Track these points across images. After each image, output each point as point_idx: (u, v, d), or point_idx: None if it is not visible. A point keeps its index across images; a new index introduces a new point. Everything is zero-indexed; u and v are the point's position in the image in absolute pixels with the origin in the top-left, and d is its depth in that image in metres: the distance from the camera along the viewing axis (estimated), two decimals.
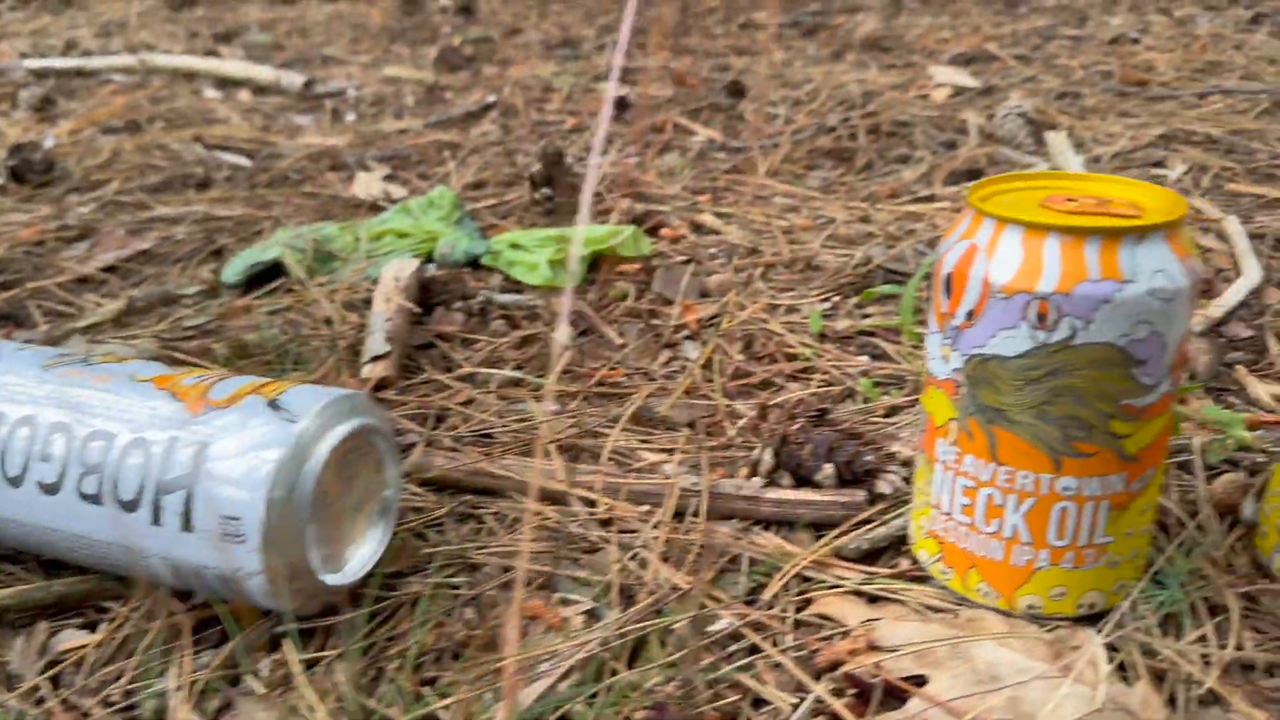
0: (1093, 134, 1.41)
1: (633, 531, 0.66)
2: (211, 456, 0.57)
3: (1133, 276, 0.50)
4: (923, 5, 2.33)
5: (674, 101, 1.61)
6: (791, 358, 0.88)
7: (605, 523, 0.67)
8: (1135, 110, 1.52)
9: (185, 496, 0.57)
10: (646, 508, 0.69)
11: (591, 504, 0.69)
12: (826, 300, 0.98)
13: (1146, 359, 0.51)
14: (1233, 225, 1.08)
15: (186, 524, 0.57)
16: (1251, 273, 0.97)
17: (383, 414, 0.63)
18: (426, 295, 0.93)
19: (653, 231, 1.15)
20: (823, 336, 0.92)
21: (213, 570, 0.57)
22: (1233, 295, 0.91)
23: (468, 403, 0.81)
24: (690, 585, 0.60)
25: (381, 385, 0.81)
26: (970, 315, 0.53)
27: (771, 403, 0.79)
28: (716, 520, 0.68)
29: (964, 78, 1.65)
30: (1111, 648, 0.55)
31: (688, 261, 1.06)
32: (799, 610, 0.60)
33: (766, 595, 0.61)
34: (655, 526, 0.66)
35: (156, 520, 0.57)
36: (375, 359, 0.82)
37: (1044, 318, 0.50)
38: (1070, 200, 0.54)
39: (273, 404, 0.60)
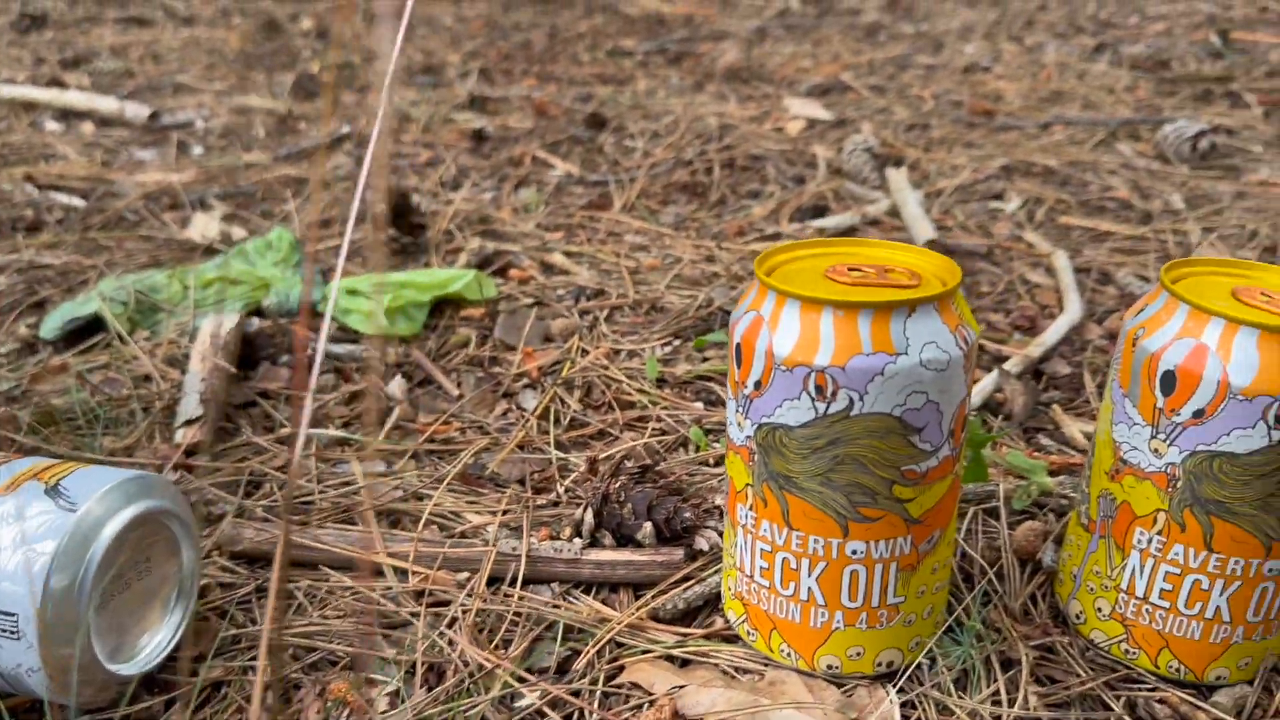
0: (938, 166, 1.46)
1: (446, 603, 0.65)
2: None
3: (904, 349, 0.51)
4: (787, 33, 2.37)
5: (534, 133, 1.61)
6: (629, 405, 0.88)
7: (419, 594, 0.66)
8: (980, 141, 1.57)
9: None
10: (465, 575, 0.68)
11: (407, 574, 0.68)
12: (668, 344, 0.99)
13: (924, 426, 0.52)
14: (1060, 260, 1.12)
15: None
16: (1073, 309, 1.00)
17: (176, 494, 0.61)
18: (250, 350, 0.90)
19: (502, 272, 1.14)
20: (661, 382, 0.92)
21: None
22: (1053, 334, 0.95)
23: (286, 466, 0.79)
24: (495, 662, 0.59)
25: (194, 451, 0.78)
26: (758, 385, 0.54)
27: (602, 456, 0.79)
28: (537, 585, 0.68)
29: (818, 110, 1.69)
30: (909, 705, 0.57)
31: (535, 304, 1.06)
32: (610, 679, 0.60)
33: (578, 665, 0.60)
34: (470, 596, 0.65)
35: None
36: (188, 423, 0.79)
37: (822, 389, 0.51)
38: (853, 270, 0.56)
39: (52, 490, 0.57)
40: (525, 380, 0.92)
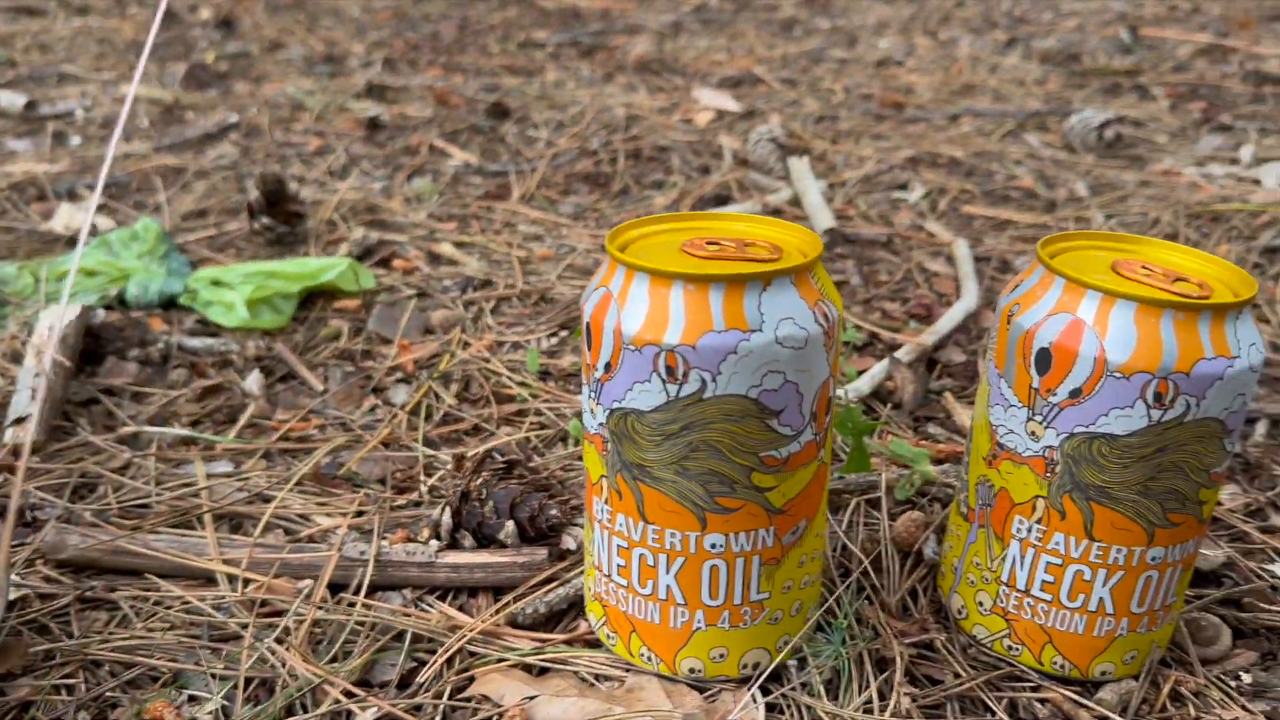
0: (844, 157, 1.43)
1: (280, 613, 0.59)
2: None
3: (759, 325, 0.47)
4: (703, 27, 2.34)
5: (433, 122, 1.55)
6: (508, 399, 0.83)
7: (255, 604, 0.60)
8: (888, 133, 1.55)
9: None
10: (308, 583, 0.62)
11: (246, 583, 0.62)
12: (555, 335, 0.94)
13: (783, 409, 0.48)
14: (960, 248, 1.10)
15: None
16: (969, 297, 0.98)
17: None
18: (97, 344, 0.84)
19: (385, 263, 1.08)
20: (545, 375, 0.87)
21: None
22: (946, 321, 0.92)
23: (124, 468, 0.73)
24: (324, 676, 0.54)
25: (21, 451, 0.71)
26: (608, 368, 0.49)
27: (470, 453, 0.74)
28: (388, 592, 0.63)
29: (727, 101, 1.66)
30: (775, 709, 0.53)
31: (417, 296, 1.00)
32: (458, 691, 0.55)
33: (423, 677, 0.55)
34: (308, 603, 0.59)
35: None
36: (16, 422, 0.72)
37: (673, 370, 0.47)
38: (711, 244, 0.51)
39: None
40: (398, 375, 0.87)
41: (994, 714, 0.53)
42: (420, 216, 1.20)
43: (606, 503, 0.52)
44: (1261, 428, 0.78)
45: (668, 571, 0.52)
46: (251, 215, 1.09)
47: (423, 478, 0.72)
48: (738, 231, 0.54)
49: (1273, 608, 0.60)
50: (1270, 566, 0.63)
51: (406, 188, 1.30)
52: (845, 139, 1.51)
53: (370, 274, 1.01)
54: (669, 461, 0.49)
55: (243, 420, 0.79)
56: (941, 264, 1.09)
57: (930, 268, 1.07)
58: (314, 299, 0.97)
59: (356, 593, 0.61)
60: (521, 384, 0.85)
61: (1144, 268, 0.53)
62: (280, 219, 1.09)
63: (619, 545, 0.52)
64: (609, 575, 0.54)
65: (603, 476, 0.52)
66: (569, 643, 0.58)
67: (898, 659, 0.55)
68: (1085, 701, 0.53)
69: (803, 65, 1.99)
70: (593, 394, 0.51)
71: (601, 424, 0.50)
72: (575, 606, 0.61)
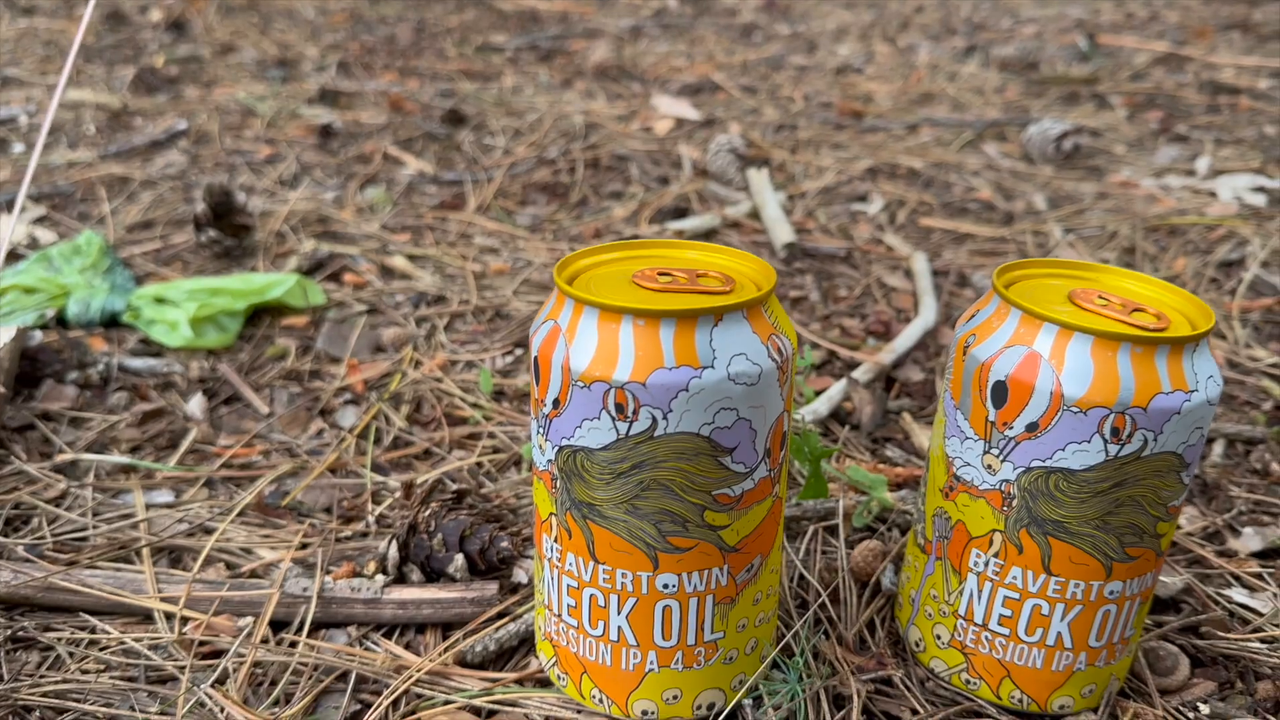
0: (804, 168, 1.42)
1: (220, 654, 0.57)
2: None
3: (710, 362, 0.45)
4: (662, 32, 2.33)
5: (387, 129, 1.52)
6: (461, 421, 0.82)
7: (193, 644, 0.58)
8: (847, 143, 1.55)
9: None
10: (249, 620, 0.60)
11: (184, 621, 0.60)
12: (510, 354, 0.92)
13: (735, 446, 0.47)
14: (919, 263, 1.10)
15: None
16: (927, 313, 0.97)
17: None
18: (33, 366, 0.81)
19: (336, 277, 1.06)
20: (499, 395, 0.86)
21: None
22: (905, 340, 0.91)
23: (60, 498, 0.70)
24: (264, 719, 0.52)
25: None
26: (556, 404, 0.48)
27: (419, 480, 0.72)
28: (332, 629, 0.61)
29: (686, 109, 1.65)
30: None
31: (368, 312, 0.98)
32: None
33: None
34: (248, 643, 0.57)
35: None
36: None
37: (623, 408, 0.46)
38: (663, 275, 0.50)
39: None
40: (347, 396, 0.84)
41: None
42: (373, 228, 1.18)
43: (556, 541, 0.51)
44: (1219, 447, 0.78)
45: (619, 612, 0.50)
46: (198, 228, 1.06)
47: (370, 506, 0.70)
48: (690, 260, 0.53)
49: (1230, 636, 0.59)
50: (1228, 591, 0.63)
51: (359, 198, 1.28)
52: (805, 149, 1.50)
53: (319, 289, 0.98)
54: (619, 500, 0.47)
55: (184, 446, 0.76)
56: (900, 278, 1.08)
57: (889, 282, 1.07)
58: (261, 315, 0.95)
59: (299, 631, 0.59)
60: (474, 405, 0.83)
61: (1100, 297, 0.52)
62: (228, 232, 1.07)
63: (569, 585, 0.51)
64: (559, 615, 0.52)
65: (552, 514, 0.50)
66: (520, 682, 0.56)
67: (855, 696, 0.54)
68: None
69: (762, 72, 1.98)
70: (541, 430, 0.49)
71: (550, 460, 0.49)
72: (526, 643, 0.59)
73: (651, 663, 0.51)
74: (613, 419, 0.46)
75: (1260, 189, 1.27)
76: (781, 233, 1.13)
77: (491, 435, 0.79)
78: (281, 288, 0.93)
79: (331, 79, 1.81)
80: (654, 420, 0.45)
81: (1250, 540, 0.68)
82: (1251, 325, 0.96)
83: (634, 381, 0.45)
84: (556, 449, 0.48)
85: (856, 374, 0.84)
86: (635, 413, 0.45)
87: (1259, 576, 0.65)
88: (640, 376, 0.45)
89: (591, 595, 0.50)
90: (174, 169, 1.35)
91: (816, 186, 1.34)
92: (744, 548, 0.50)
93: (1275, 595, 0.63)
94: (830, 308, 1.01)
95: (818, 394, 0.82)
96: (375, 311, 0.98)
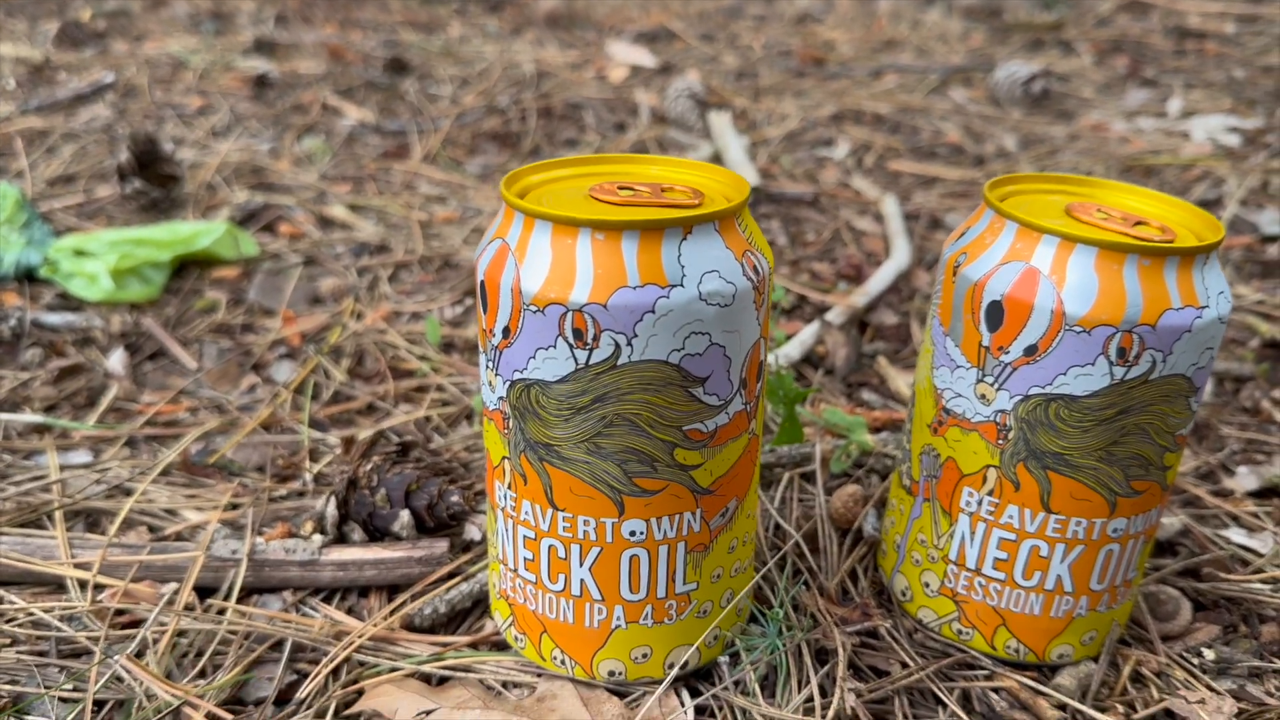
0: (766, 114, 1.37)
1: (139, 624, 0.52)
2: None
3: (679, 280, 0.40)
4: None
5: (327, 79, 1.45)
6: (407, 374, 0.76)
7: (109, 614, 0.52)
8: (810, 89, 1.50)
9: None
10: (172, 587, 0.54)
11: (100, 589, 0.54)
12: (460, 304, 0.87)
13: (708, 375, 0.42)
14: (889, 205, 1.05)
15: None
16: (900, 255, 0.93)
17: None
18: None
19: (271, 228, 0.99)
20: (448, 347, 0.80)
21: None
22: (878, 282, 0.87)
23: None
24: (184, 696, 0.46)
25: None
26: (506, 332, 0.42)
27: (361, 435, 0.67)
28: (267, 595, 0.55)
29: (643, 56, 1.58)
30: (707, 713, 0.47)
31: (305, 263, 0.92)
32: (346, 707, 0.48)
33: (304, 692, 0.48)
34: (171, 611, 0.52)
35: None
36: None
37: (581, 334, 0.40)
38: (624, 189, 0.45)
39: None
40: (282, 349, 0.78)
41: (946, 707, 0.48)
42: (311, 178, 1.11)
43: (510, 488, 0.46)
44: (1208, 386, 0.75)
45: (581, 564, 0.45)
46: (122, 178, 0.99)
47: (307, 463, 0.64)
48: (654, 176, 0.48)
49: (1231, 577, 0.56)
50: (1225, 532, 0.60)
51: (296, 148, 1.21)
52: (767, 95, 1.45)
53: (252, 240, 0.92)
54: (579, 439, 0.42)
55: (104, 404, 0.70)
56: (870, 222, 1.04)
57: (858, 226, 1.02)
58: (189, 269, 0.88)
59: (228, 598, 0.53)
60: (422, 357, 0.77)
61: (1100, 210, 0.48)
62: (154, 182, 0.99)
63: (525, 536, 0.46)
64: (515, 570, 0.47)
65: (505, 458, 0.45)
66: (473, 646, 0.51)
67: (840, 650, 0.49)
68: (1043, 688, 0.48)
69: (719, 20, 1.92)
70: (491, 363, 0.44)
71: (501, 398, 0.44)
72: (481, 604, 0.54)
73: (618, 619, 0.46)
74: (570, 347, 0.41)
75: (1234, 129, 1.24)
76: (745, 176, 1.08)
77: (441, 388, 0.74)
78: (210, 237, 0.86)
79: (269, 31, 1.72)
80: (617, 347, 0.40)
81: (1245, 479, 0.65)
82: (1232, 264, 0.93)
83: (593, 303, 0.40)
84: (508, 384, 0.43)
85: (830, 316, 0.79)
86: (595, 339, 0.40)
87: (1256, 516, 0.61)
88: (600, 297, 0.40)
89: (550, 546, 0.45)
90: (99, 122, 1.27)
91: (780, 132, 1.29)
92: (718, 489, 0.45)
93: (1275, 535, 0.60)
94: (799, 252, 0.96)
95: (789, 337, 0.77)
96: (313, 262, 0.91)
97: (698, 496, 0.44)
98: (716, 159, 1.17)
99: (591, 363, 0.41)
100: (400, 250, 0.94)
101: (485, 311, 0.43)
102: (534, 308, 0.41)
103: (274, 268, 0.89)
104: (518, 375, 0.42)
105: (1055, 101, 1.42)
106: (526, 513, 0.45)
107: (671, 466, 0.43)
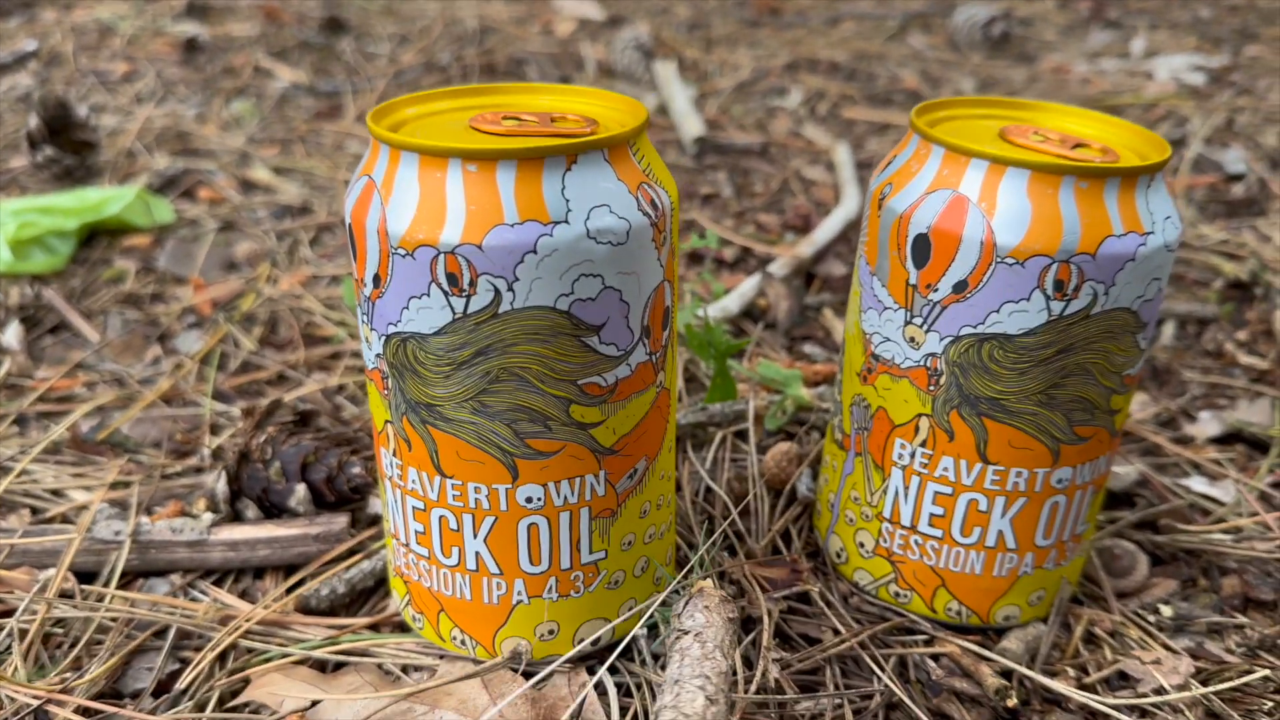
0: (718, 65, 1.32)
1: (8, 614, 0.47)
2: None
3: (564, 215, 0.36)
4: None
5: (260, 41, 1.39)
6: (322, 341, 0.71)
7: None
8: (765, 39, 1.45)
9: None
10: (52, 571, 0.50)
11: None
12: None
13: (603, 323, 0.38)
14: (841, 153, 1.01)
15: None
16: (850, 203, 0.89)
17: None
18: None
19: (190, 194, 0.94)
20: None
21: None
22: (825, 231, 0.83)
23: None
24: (46, 694, 0.42)
25: None
26: (377, 280, 0.38)
27: (264, 405, 0.62)
28: (153, 578, 0.51)
29: (590, 9, 1.53)
30: (623, 691, 0.43)
31: (223, 228, 0.87)
32: (231, 697, 0.44)
33: (185, 682, 0.44)
34: (46, 598, 0.47)
35: None
36: None
37: (456, 279, 0.36)
38: (508, 119, 0.40)
39: None
40: (191, 319, 0.74)
41: (880, 677, 0.44)
42: (237, 142, 1.06)
43: (395, 455, 0.41)
44: (1170, 329, 0.71)
45: (476, 535, 0.41)
46: (32, 146, 0.93)
47: (207, 438, 0.60)
48: (543, 105, 0.43)
49: (1191, 529, 0.52)
50: (1186, 481, 0.56)
51: (224, 112, 1.15)
52: (719, 45, 1.40)
53: (168, 206, 0.87)
54: (463, 397, 0.38)
55: None
56: (821, 171, 0.99)
57: (808, 175, 0.98)
58: (99, 238, 0.83)
59: (109, 583, 0.49)
60: (339, 323, 0.73)
61: (1036, 133, 0.44)
62: (68, 149, 0.94)
63: (415, 506, 0.42)
64: (407, 544, 0.43)
65: (388, 422, 0.41)
66: (374, 627, 0.47)
67: (765, 617, 0.45)
68: (987, 653, 0.45)
69: None
70: (365, 318, 0.40)
71: (379, 355, 0.39)
72: (384, 583, 0.50)
73: (519, 593, 0.42)
74: (445, 294, 0.36)
75: (1199, 68, 1.20)
76: (691, 126, 1.03)
77: (356, 355, 0.69)
78: (119, 203, 0.81)
79: None
80: (497, 293, 0.36)
81: (1208, 425, 0.61)
82: (1196, 204, 0.89)
83: (467, 244, 0.35)
84: (383, 339, 0.39)
85: (772, 268, 0.75)
86: (472, 284, 0.36)
87: (1218, 463, 0.58)
88: (474, 237, 0.35)
89: (441, 517, 0.41)
90: (18, 91, 1.21)
91: (731, 83, 1.24)
92: (624, 449, 0.41)
93: (1237, 482, 0.56)
94: (745, 204, 0.91)
95: (728, 291, 0.73)
96: (231, 227, 0.86)
97: (600, 457, 0.40)
98: (661, 110, 1.13)
99: (470, 311, 0.36)
100: (323, 212, 0.89)
101: (355, 258, 0.39)
102: (402, 251, 0.36)
103: (189, 234, 0.84)
104: (392, 329, 0.38)
105: (1016, 45, 1.38)
106: (414, 481, 0.41)
107: (568, 425, 0.39)
